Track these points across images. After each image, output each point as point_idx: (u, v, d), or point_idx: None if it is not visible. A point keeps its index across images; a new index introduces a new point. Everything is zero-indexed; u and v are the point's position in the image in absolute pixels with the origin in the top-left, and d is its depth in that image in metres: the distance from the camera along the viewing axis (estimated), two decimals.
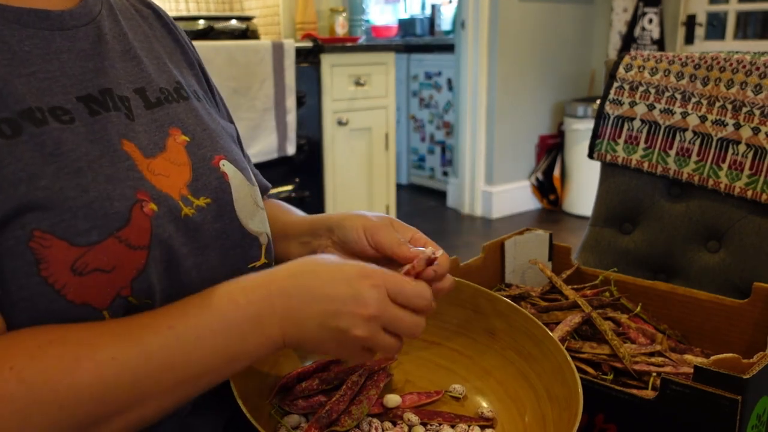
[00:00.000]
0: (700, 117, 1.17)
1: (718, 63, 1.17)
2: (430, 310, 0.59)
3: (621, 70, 1.28)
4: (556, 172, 4.12)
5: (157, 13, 0.73)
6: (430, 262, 0.62)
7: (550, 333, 0.68)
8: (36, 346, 0.47)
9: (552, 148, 4.19)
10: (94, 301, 0.51)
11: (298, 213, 0.81)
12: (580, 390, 0.60)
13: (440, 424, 0.66)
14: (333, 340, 0.56)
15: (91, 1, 0.62)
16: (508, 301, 0.73)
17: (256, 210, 0.67)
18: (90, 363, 0.47)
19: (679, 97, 1.20)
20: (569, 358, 0.64)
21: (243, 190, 0.66)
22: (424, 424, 0.66)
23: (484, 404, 0.70)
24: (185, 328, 0.52)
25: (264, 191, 0.81)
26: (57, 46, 0.57)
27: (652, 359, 0.76)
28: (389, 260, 0.66)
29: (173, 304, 0.54)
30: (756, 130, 1.11)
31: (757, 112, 1.11)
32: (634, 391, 0.67)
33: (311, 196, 2.72)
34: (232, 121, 0.80)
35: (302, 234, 0.76)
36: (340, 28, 3.06)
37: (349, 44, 2.82)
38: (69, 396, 0.46)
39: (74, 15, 0.59)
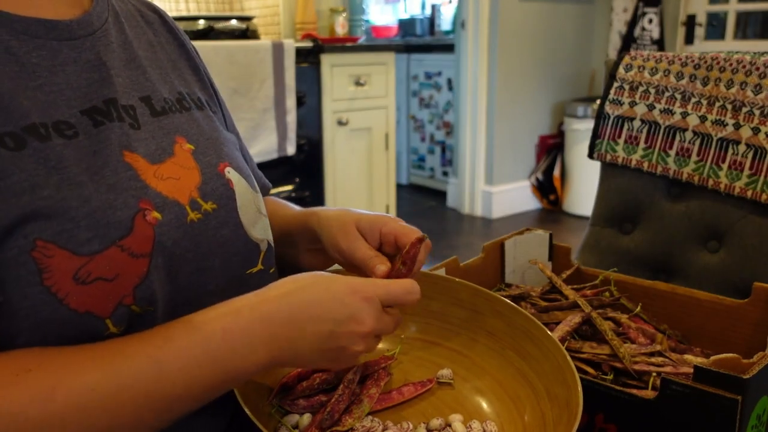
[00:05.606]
0: (700, 117, 1.17)
1: (718, 63, 1.17)
2: (417, 299, 0.62)
3: (621, 70, 1.28)
4: (556, 172, 4.12)
5: (163, 19, 0.73)
6: (420, 240, 0.66)
7: (549, 333, 0.68)
8: (13, 373, 0.46)
9: (552, 148, 4.19)
10: (96, 310, 0.51)
11: (295, 208, 0.82)
12: (580, 389, 0.60)
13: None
14: (329, 358, 0.57)
15: (98, 9, 0.62)
16: (508, 301, 0.73)
17: (259, 217, 0.68)
18: (65, 392, 0.47)
19: (679, 97, 1.20)
20: (569, 358, 0.64)
21: (247, 197, 0.66)
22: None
23: (484, 404, 0.70)
24: (166, 357, 0.51)
25: (265, 191, 0.82)
26: (63, 57, 0.57)
27: (652, 359, 0.76)
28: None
29: (157, 328, 0.53)
30: (756, 130, 1.11)
31: (757, 112, 1.11)
32: (634, 391, 0.67)
33: (311, 196, 2.73)
34: (234, 129, 0.80)
35: (302, 239, 0.76)
36: (340, 28, 3.06)
37: (349, 44, 2.82)
38: (42, 425, 0.45)
39: (82, 24, 0.59)
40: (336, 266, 0.76)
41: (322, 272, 0.60)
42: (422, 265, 0.67)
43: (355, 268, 0.69)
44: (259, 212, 0.68)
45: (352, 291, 0.57)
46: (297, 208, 0.82)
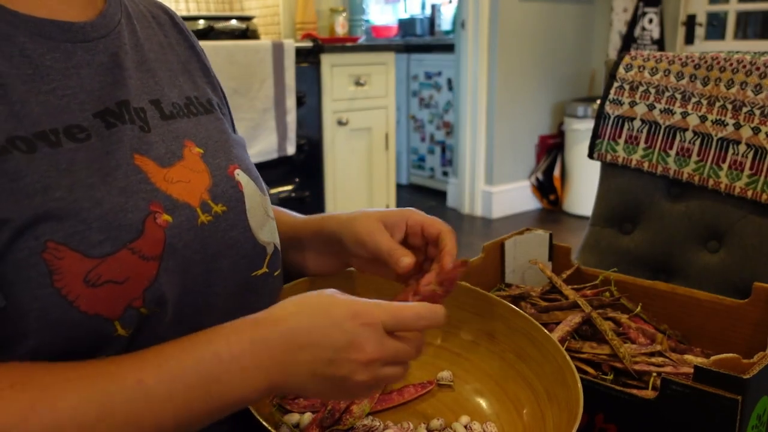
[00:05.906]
0: (700, 117, 1.17)
1: (718, 63, 1.17)
2: (438, 325, 0.57)
3: (621, 70, 1.28)
4: (556, 172, 4.12)
5: (174, 20, 0.73)
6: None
7: (549, 335, 0.68)
8: None
9: (552, 148, 4.19)
10: (105, 312, 0.51)
11: (298, 216, 0.81)
12: (580, 390, 0.60)
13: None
14: (332, 388, 0.54)
15: (111, 11, 0.62)
16: (508, 303, 0.73)
17: (267, 220, 0.68)
18: (48, 412, 0.45)
19: (679, 97, 1.20)
20: (569, 360, 0.64)
21: (255, 199, 0.66)
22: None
23: (484, 405, 0.70)
24: (156, 383, 0.49)
25: None
26: (78, 60, 0.56)
27: (653, 359, 0.76)
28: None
29: (148, 351, 0.51)
30: (756, 130, 1.11)
31: (758, 112, 1.11)
32: (635, 391, 0.67)
33: (311, 196, 2.73)
34: (235, 131, 0.80)
35: (315, 243, 0.76)
36: (340, 28, 3.06)
37: (349, 44, 2.82)
38: None
39: (96, 26, 0.59)
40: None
41: (326, 292, 0.57)
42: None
43: (378, 264, 0.68)
44: (266, 215, 0.68)
45: (353, 315, 0.53)
46: (298, 215, 0.81)
